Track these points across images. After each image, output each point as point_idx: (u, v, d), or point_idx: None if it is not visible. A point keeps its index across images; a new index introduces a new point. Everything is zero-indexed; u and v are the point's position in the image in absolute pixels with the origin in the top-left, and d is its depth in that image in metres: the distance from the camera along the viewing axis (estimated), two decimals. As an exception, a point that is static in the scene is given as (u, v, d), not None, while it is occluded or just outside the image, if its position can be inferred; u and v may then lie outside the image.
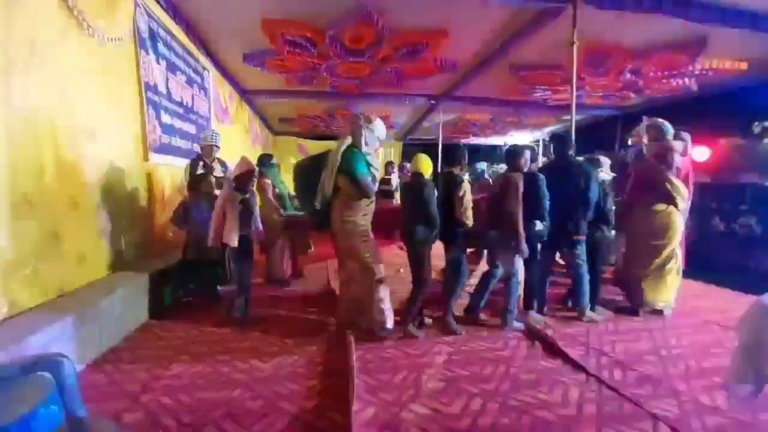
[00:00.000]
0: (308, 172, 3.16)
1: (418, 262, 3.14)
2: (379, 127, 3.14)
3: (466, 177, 3.38)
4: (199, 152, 4.31)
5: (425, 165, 3.19)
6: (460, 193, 3.14)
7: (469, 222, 3.19)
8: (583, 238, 3.41)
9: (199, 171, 4.05)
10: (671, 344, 3.02)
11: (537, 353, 2.84)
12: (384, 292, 3.04)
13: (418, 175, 3.19)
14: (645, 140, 4.01)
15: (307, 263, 5.26)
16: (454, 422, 2.01)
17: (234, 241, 3.21)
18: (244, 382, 2.37)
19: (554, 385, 2.38)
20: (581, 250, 3.45)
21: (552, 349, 2.87)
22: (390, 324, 3.03)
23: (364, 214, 3.05)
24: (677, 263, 3.67)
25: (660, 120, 3.72)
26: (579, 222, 3.36)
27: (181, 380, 2.40)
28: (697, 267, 4.73)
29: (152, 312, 3.44)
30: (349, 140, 3.04)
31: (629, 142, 4.17)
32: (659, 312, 3.65)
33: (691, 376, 2.52)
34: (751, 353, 1.32)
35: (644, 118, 4.26)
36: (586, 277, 3.49)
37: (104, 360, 2.64)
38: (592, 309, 3.58)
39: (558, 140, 3.74)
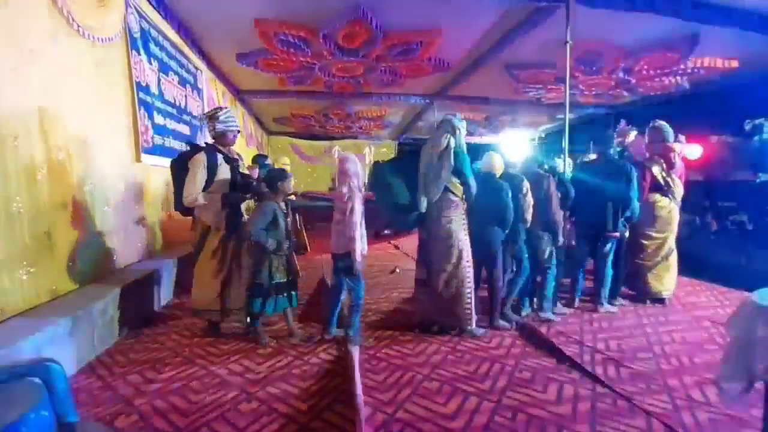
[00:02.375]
0: (399, 174, 3.06)
1: (491, 261, 3.18)
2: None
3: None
4: (206, 142, 3.21)
5: (499, 164, 3.29)
6: (523, 192, 3.23)
7: (529, 220, 3.29)
8: (617, 235, 3.57)
9: (222, 167, 3.03)
10: (664, 341, 3.04)
11: (531, 351, 2.85)
12: (472, 293, 3.06)
13: (491, 175, 3.24)
14: (630, 140, 4.18)
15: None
16: (449, 422, 2.01)
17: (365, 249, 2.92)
18: (239, 384, 2.36)
19: (549, 383, 2.39)
20: (610, 246, 3.62)
21: (546, 347, 2.89)
22: (474, 323, 3.06)
23: (463, 213, 3.06)
24: (675, 253, 3.96)
25: (662, 122, 3.93)
26: (615, 220, 3.50)
27: (175, 383, 2.38)
28: (690, 264, 4.77)
29: (145, 316, 3.42)
30: (452, 141, 2.96)
31: (614, 143, 4.25)
32: (662, 301, 3.88)
33: (683, 372, 2.54)
34: (742, 350, 1.33)
35: (622, 120, 4.42)
36: (610, 272, 3.68)
37: (97, 363, 2.62)
38: (613, 301, 3.78)
39: (598, 140, 3.88)
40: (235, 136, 3.16)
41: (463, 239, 3.01)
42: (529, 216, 3.27)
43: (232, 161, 3.11)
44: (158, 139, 4.47)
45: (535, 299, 3.59)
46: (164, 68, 4.72)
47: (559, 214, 3.41)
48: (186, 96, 5.46)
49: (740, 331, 1.36)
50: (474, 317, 3.05)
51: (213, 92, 6.91)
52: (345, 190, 2.85)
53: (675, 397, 2.24)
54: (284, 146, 13.34)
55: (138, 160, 4.01)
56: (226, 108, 3.14)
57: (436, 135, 3.01)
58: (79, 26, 3.03)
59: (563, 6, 4.24)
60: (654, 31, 5.23)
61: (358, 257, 2.83)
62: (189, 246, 4.78)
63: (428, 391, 2.29)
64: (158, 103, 4.50)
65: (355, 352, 2.67)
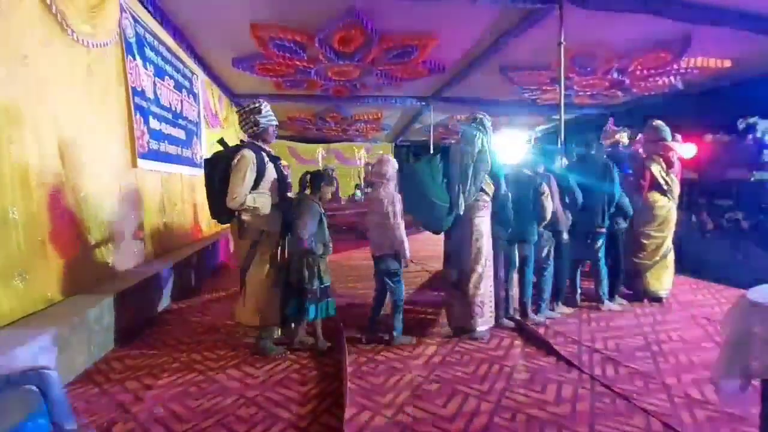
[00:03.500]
0: (433, 175, 2.98)
1: (494, 261, 3.20)
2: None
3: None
4: (242, 140, 2.88)
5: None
6: (545, 196, 3.28)
7: (546, 219, 3.34)
8: (603, 230, 3.64)
9: (269, 165, 2.77)
10: (661, 339, 3.05)
11: (530, 352, 2.86)
12: (486, 293, 3.07)
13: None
14: (625, 140, 4.21)
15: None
16: (448, 424, 2.00)
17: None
18: (237, 390, 2.35)
19: (547, 383, 2.39)
20: (601, 243, 3.69)
21: (545, 348, 2.89)
22: (483, 325, 3.06)
23: (488, 213, 3.09)
24: (672, 252, 4.00)
25: (660, 122, 3.95)
26: (602, 215, 3.58)
27: (173, 389, 2.37)
28: (687, 262, 4.80)
29: (142, 322, 3.40)
30: (485, 141, 2.98)
31: (603, 143, 4.27)
32: (659, 300, 3.90)
33: (681, 370, 2.55)
34: (737, 348, 1.34)
35: (610, 119, 4.43)
36: (605, 269, 3.74)
37: (94, 371, 2.60)
38: (612, 299, 3.81)
39: (582, 141, 3.94)
40: (275, 132, 2.90)
41: (488, 240, 3.06)
42: (547, 216, 3.30)
43: (276, 159, 2.85)
44: (154, 144, 4.46)
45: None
46: (160, 73, 4.72)
47: (561, 212, 3.46)
48: (182, 100, 5.46)
49: (735, 328, 1.37)
50: (484, 318, 3.06)
51: (209, 96, 6.91)
52: (383, 192, 2.92)
53: (673, 395, 2.25)
54: (281, 149, 13.33)
55: (134, 165, 4.00)
56: (265, 102, 2.86)
57: (468, 135, 3.02)
58: (73, 31, 3.02)
59: (556, 7, 4.28)
60: (647, 31, 5.28)
61: (407, 254, 2.92)
62: (186, 251, 4.81)
63: (427, 393, 2.29)
64: (154, 108, 4.50)
65: (346, 355, 2.67)
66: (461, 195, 2.96)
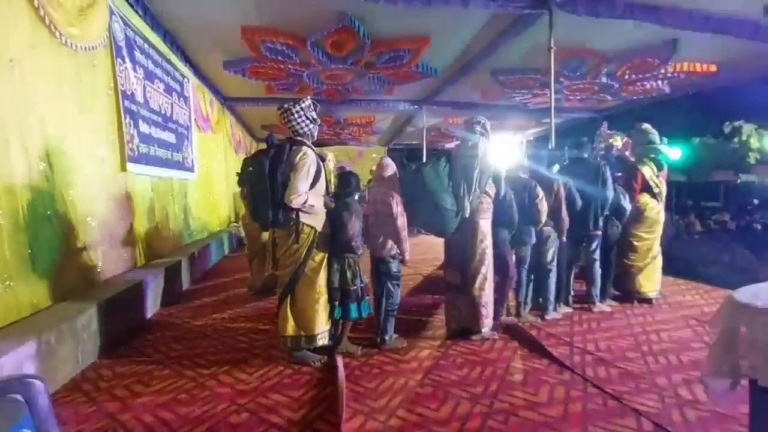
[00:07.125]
0: (438, 179, 2.95)
1: (503, 262, 3.22)
2: None
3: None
4: (294, 138, 2.67)
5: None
6: (538, 199, 3.31)
7: (542, 223, 3.40)
8: (599, 233, 3.69)
9: (322, 165, 2.69)
10: (652, 340, 3.08)
11: (523, 354, 2.86)
12: (491, 294, 3.09)
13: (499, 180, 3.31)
14: (619, 143, 4.28)
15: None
16: (442, 427, 2.00)
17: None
18: (229, 396, 2.32)
19: (540, 385, 2.40)
20: (596, 245, 3.74)
21: (537, 350, 2.90)
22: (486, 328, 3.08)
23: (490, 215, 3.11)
24: (660, 253, 4.07)
25: (647, 125, 4.02)
26: (596, 219, 3.64)
27: (163, 396, 2.33)
28: (675, 263, 4.87)
29: (131, 328, 3.35)
30: (487, 144, 3.02)
31: (598, 148, 4.33)
32: (649, 301, 3.95)
33: (671, 370, 2.58)
34: (725, 348, 1.36)
35: (604, 123, 4.49)
36: (599, 271, 3.78)
37: (82, 379, 2.55)
38: (603, 300, 3.86)
39: (576, 145, 4.02)
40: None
41: (490, 241, 3.09)
42: (542, 219, 3.35)
43: (323, 159, 2.76)
44: (144, 148, 4.42)
45: (539, 299, 3.65)
46: (150, 76, 4.68)
47: (566, 216, 3.52)
48: (172, 104, 5.41)
49: (723, 329, 1.39)
50: (489, 319, 3.08)
51: (200, 100, 6.87)
52: (386, 192, 2.94)
53: (664, 395, 2.27)
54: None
55: (123, 169, 3.95)
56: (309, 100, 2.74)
57: (470, 138, 3.05)
58: (61, 35, 2.99)
59: (546, 13, 4.33)
60: (634, 36, 5.37)
61: (407, 255, 2.96)
62: (176, 256, 4.75)
63: (420, 397, 2.28)
64: (144, 112, 4.46)
65: (340, 361, 2.65)
66: (466, 198, 2.99)
